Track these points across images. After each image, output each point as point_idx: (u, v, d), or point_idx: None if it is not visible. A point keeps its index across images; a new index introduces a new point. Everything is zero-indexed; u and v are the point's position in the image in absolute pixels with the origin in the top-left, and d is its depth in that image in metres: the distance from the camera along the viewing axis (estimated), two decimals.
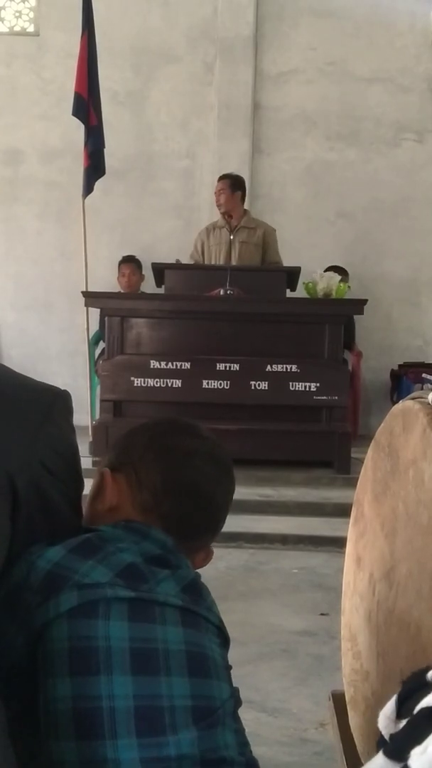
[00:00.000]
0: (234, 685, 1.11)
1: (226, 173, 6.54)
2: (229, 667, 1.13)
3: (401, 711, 0.75)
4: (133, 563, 1.06)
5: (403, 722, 0.73)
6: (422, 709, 0.71)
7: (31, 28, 8.12)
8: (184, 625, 1.06)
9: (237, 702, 1.11)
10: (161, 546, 1.12)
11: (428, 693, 0.73)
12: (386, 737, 0.75)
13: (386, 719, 0.76)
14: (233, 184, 6.44)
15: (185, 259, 6.63)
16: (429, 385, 5.96)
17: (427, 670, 0.77)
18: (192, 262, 6.60)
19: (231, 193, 6.41)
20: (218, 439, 1.27)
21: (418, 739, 0.67)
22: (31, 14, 8.11)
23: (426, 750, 0.65)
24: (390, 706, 0.76)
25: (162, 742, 0.98)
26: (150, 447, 1.20)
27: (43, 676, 1.01)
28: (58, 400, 1.09)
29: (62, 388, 1.12)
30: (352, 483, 1.75)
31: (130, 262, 7.36)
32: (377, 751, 0.74)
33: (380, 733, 0.76)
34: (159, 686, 1.01)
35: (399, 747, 0.70)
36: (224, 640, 1.15)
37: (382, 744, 0.75)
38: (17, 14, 8.13)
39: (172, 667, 1.02)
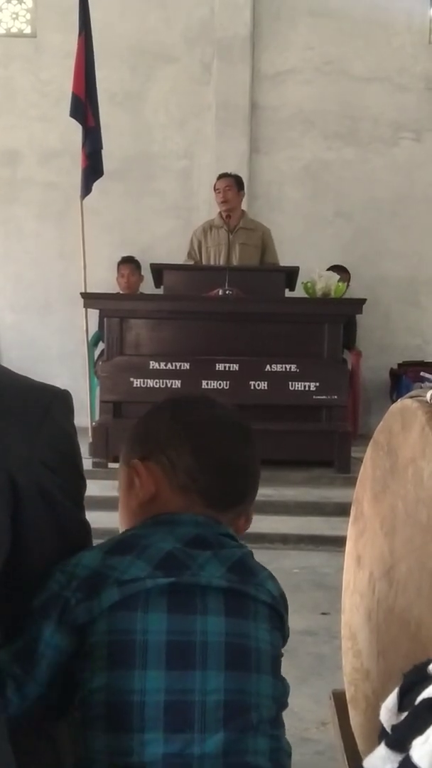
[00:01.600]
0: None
1: (226, 172, 6.53)
2: (280, 655, 1.12)
3: (403, 704, 0.76)
4: (171, 551, 1.06)
5: (405, 714, 0.74)
6: (423, 700, 0.72)
7: (28, 30, 8.12)
8: (227, 612, 1.06)
9: (282, 706, 1.10)
10: (194, 525, 1.12)
11: (429, 685, 0.73)
12: (388, 729, 0.75)
13: (388, 712, 0.77)
14: (238, 183, 6.45)
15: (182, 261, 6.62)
16: (428, 384, 5.96)
17: (428, 663, 0.78)
18: (188, 261, 6.59)
19: (237, 192, 6.42)
20: (231, 405, 1.28)
21: (420, 730, 0.67)
22: (28, 16, 8.12)
23: (428, 740, 0.66)
24: (392, 699, 0.77)
25: (188, 739, 0.99)
26: (173, 428, 1.19)
27: (82, 669, 1.03)
28: (57, 400, 1.10)
29: (48, 383, 1.13)
30: (352, 482, 1.75)
31: (129, 262, 7.36)
32: (378, 743, 0.74)
33: (382, 725, 0.77)
34: (192, 680, 1.01)
35: (401, 737, 0.71)
36: (279, 620, 1.13)
37: (384, 736, 0.75)
38: (14, 16, 8.13)
39: (208, 660, 1.02)
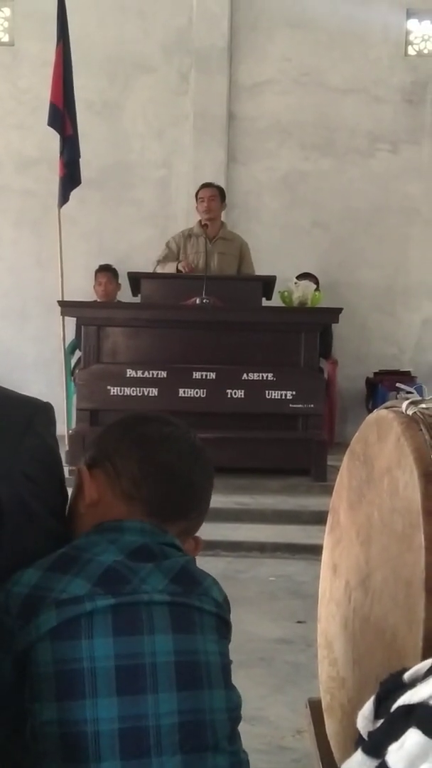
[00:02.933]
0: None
1: (210, 182, 6.56)
2: (229, 662, 1.11)
3: (379, 711, 0.77)
4: (112, 566, 1.04)
5: (381, 722, 0.75)
6: (399, 707, 0.73)
7: (6, 38, 8.11)
8: (174, 628, 1.04)
9: (236, 719, 1.09)
10: (140, 533, 1.11)
11: (404, 693, 0.74)
12: (364, 736, 0.76)
13: (364, 719, 0.78)
14: (221, 194, 6.50)
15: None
16: (403, 394, 6.00)
17: (403, 671, 0.79)
18: (160, 263, 6.57)
19: (219, 203, 6.46)
20: (188, 426, 1.26)
21: (395, 735, 0.69)
22: (6, 24, 8.11)
23: (403, 745, 0.67)
24: (368, 707, 0.78)
25: (146, 764, 0.98)
26: (123, 438, 1.20)
27: (30, 700, 1.00)
28: (39, 412, 1.10)
29: (37, 397, 1.13)
30: (328, 490, 1.77)
31: (106, 270, 7.36)
32: (355, 750, 0.75)
33: (359, 733, 0.78)
34: (145, 705, 0.99)
35: (377, 743, 0.72)
36: (225, 627, 1.13)
37: (360, 742, 0.76)
38: None
39: (159, 682, 1.01)
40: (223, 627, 1.12)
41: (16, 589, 1.02)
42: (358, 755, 0.74)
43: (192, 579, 1.10)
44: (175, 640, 1.04)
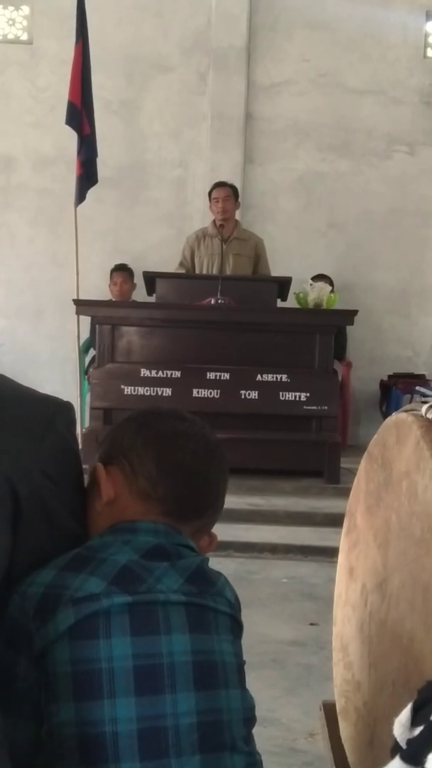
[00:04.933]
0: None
1: (224, 181, 6.55)
2: (243, 663, 1.11)
3: (416, 719, 0.77)
4: (127, 565, 1.04)
5: (418, 729, 0.75)
6: None
7: (24, 37, 8.13)
8: (191, 628, 1.04)
9: (251, 720, 1.09)
10: (153, 534, 1.10)
11: None
12: (401, 744, 0.76)
13: (401, 726, 0.78)
14: (235, 193, 6.48)
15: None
16: (420, 397, 5.99)
17: None
18: (180, 270, 6.59)
19: (234, 202, 6.44)
20: (203, 421, 1.25)
21: None
22: (25, 22, 8.13)
23: None
24: (405, 714, 0.78)
25: (165, 765, 0.98)
26: (138, 435, 1.18)
27: (47, 700, 1.00)
28: (61, 411, 1.10)
29: (51, 395, 1.13)
30: (341, 493, 1.76)
31: (122, 270, 7.36)
32: (392, 758, 0.75)
33: (395, 740, 0.78)
34: (163, 705, 0.99)
35: (416, 751, 0.72)
36: (238, 628, 1.13)
37: (397, 750, 0.76)
38: (10, 22, 8.14)
39: (177, 682, 1.01)
40: (237, 627, 1.13)
41: (31, 590, 1.02)
42: (396, 763, 0.74)
43: (206, 579, 1.10)
44: (192, 640, 1.03)
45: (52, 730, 0.99)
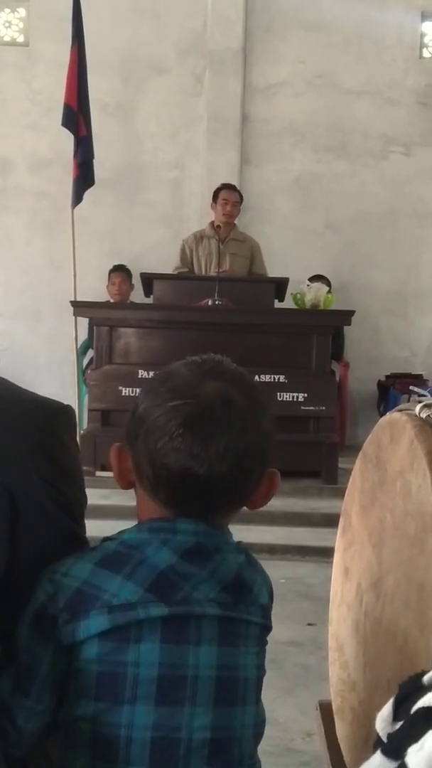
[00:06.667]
0: None
1: (233, 185, 6.57)
2: (263, 674, 1.11)
3: (398, 713, 0.77)
4: (164, 571, 1.01)
5: (400, 723, 0.75)
6: (419, 709, 0.73)
7: (21, 39, 8.14)
8: (220, 641, 1.03)
9: (260, 735, 1.10)
10: (193, 534, 1.04)
11: (424, 695, 0.74)
12: (383, 738, 0.76)
13: (383, 721, 0.78)
14: (241, 198, 6.54)
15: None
16: (416, 397, 5.99)
17: (423, 674, 0.79)
18: (179, 269, 6.59)
19: (239, 207, 6.48)
20: (208, 383, 1.05)
21: (416, 737, 0.69)
22: (21, 25, 8.14)
23: (423, 747, 0.67)
24: (387, 709, 0.78)
25: None
26: (138, 427, 1.05)
27: (67, 691, 1.02)
28: (61, 415, 1.10)
29: (50, 397, 1.13)
30: (339, 493, 1.76)
31: (120, 271, 7.37)
32: (373, 752, 0.76)
33: (377, 734, 0.78)
34: (180, 717, 1.00)
35: (396, 745, 0.72)
36: (267, 631, 1.11)
37: (379, 744, 0.76)
38: (7, 24, 8.15)
39: (197, 696, 1.01)
40: (265, 633, 1.12)
41: (66, 581, 1.00)
42: (377, 757, 0.75)
43: (243, 586, 1.07)
44: (219, 654, 1.03)
45: (68, 719, 1.01)
